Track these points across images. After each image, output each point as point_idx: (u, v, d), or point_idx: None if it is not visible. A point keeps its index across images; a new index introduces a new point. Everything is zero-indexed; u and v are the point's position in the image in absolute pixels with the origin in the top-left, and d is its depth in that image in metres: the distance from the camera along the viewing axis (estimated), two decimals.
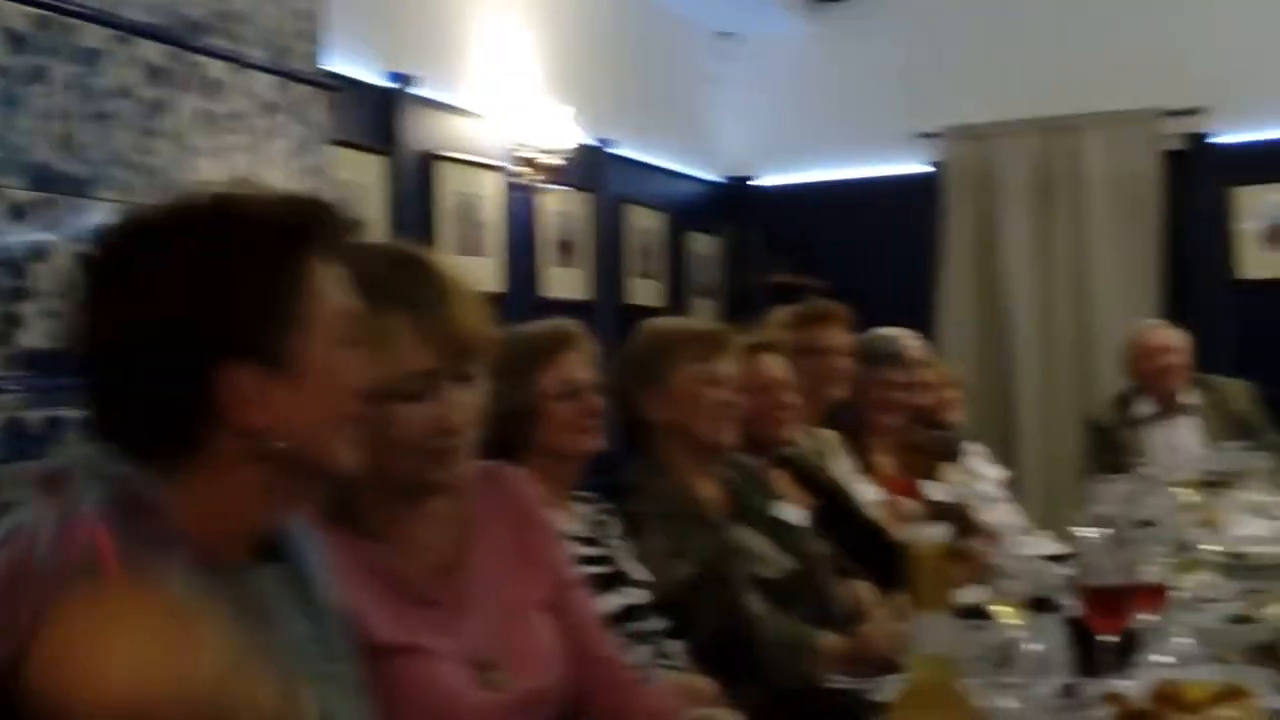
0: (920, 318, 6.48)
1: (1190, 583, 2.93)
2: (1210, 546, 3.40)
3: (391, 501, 1.95)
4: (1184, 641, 2.43)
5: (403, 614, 1.88)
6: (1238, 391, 5.78)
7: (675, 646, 2.78)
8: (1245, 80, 7.07)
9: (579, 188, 6.43)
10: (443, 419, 1.89)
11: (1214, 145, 7.18)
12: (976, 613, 2.29)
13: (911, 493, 4.46)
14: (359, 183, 5.00)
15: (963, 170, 7.53)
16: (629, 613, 2.74)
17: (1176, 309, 6.81)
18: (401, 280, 1.89)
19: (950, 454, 4.90)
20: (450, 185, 5.55)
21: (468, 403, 1.92)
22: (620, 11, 6.96)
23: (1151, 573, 2.45)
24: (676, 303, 7.31)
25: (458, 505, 2.02)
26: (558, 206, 6.28)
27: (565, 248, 6.38)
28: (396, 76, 5.25)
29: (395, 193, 5.23)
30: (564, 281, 6.34)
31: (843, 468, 4.17)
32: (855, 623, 3.14)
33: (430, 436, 1.89)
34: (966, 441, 5.26)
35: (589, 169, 6.46)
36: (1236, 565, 3.21)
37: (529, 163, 5.92)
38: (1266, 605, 2.56)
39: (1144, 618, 2.41)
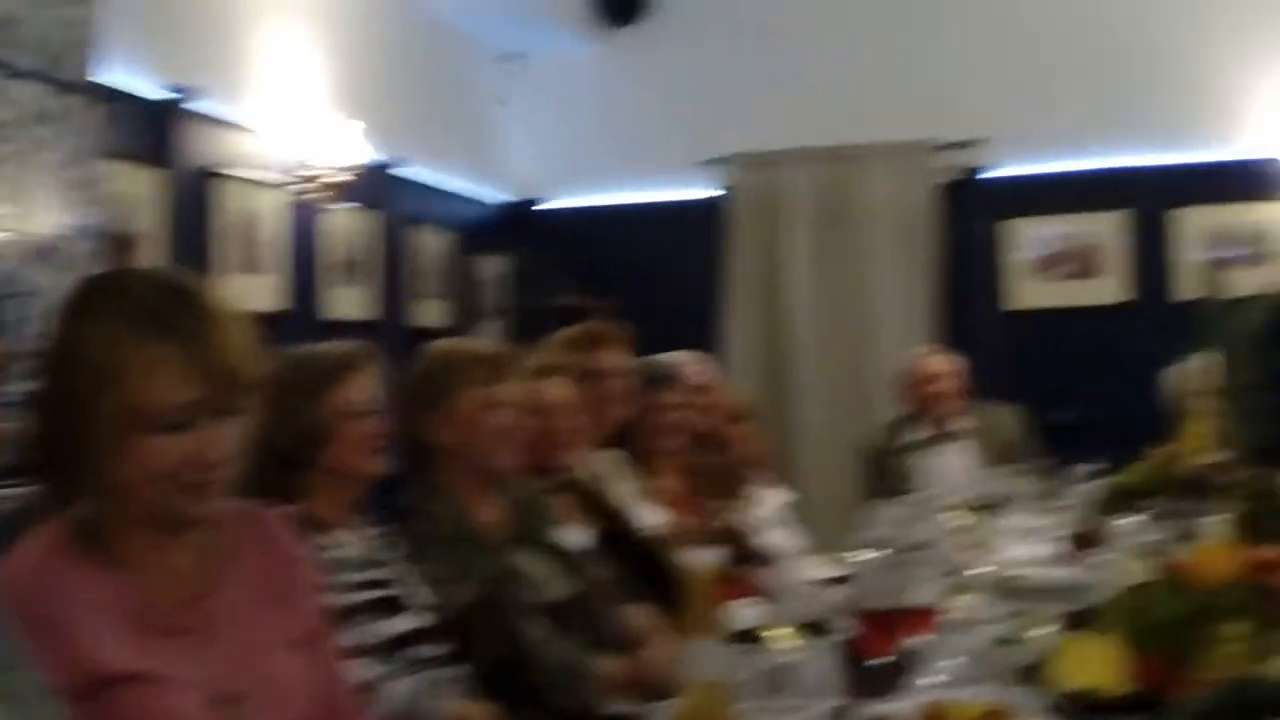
0: (706, 342, 6.54)
1: (960, 605, 2.99)
2: (980, 569, 3.49)
3: (143, 532, 1.89)
4: (954, 663, 2.48)
5: (144, 643, 1.85)
6: (1008, 418, 5.96)
7: (456, 672, 2.75)
8: (1018, 115, 7.32)
9: (364, 206, 6.33)
10: (200, 453, 1.85)
11: (987, 178, 7.42)
12: (750, 636, 2.31)
13: (694, 517, 4.48)
14: (134, 198, 4.84)
15: (749, 197, 7.64)
16: (410, 638, 2.70)
17: (951, 337, 7.01)
18: (170, 310, 1.84)
19: (732, 479, 4.94)
20: (230, 202, 5.42)
21: (228, 436, 1.88)
22: (409, 30, 6.90)
23: (923, 595, 2.50)
24: (463, 324, 7.25)
25: (214, 537, 1.97)
26: (342, 225, 6.19)
27: (350, 267, 6.28)
28: (175, 89, 5.10)
29: (172, 208, 5.08)
30: (348, 301, 6.24)
31: (626, 491, 4.17)
32: (635, 648, 3.13)
33: (185, 469, 1.85)
34: (750, 466, 5.32)
35: (375, 188, 6.38)
36: (1006, 588, 3.28)
37: (312, 180, 5.81)
38: (1033, 627, 2.62)
39: (915, 640, 2.45)
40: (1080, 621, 2.23)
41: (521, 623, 2.96)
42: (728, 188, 7.69)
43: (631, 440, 4.26)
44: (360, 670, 2.43)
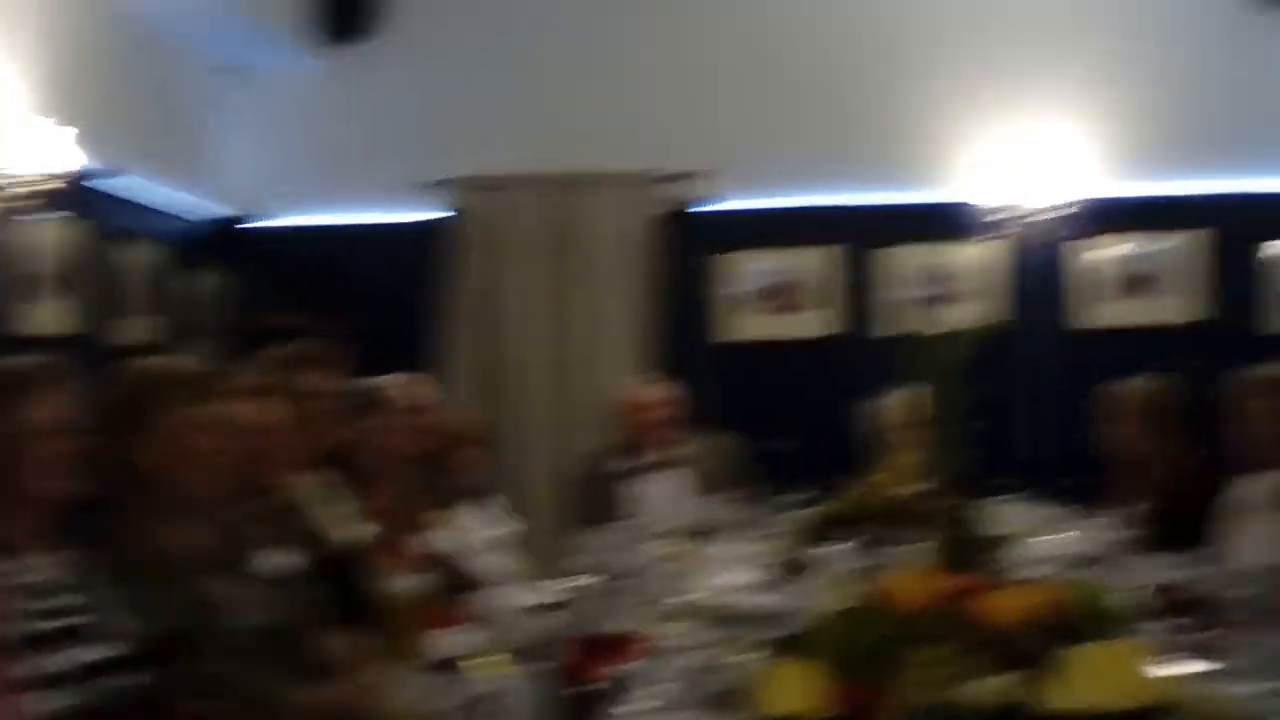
0: (428, 365, 6.47)
1: (669, 631, 3.00)
2: (689, 596, 3.52)
3: None
4: (662, 689, 2.49)
5: None
6: (721, 447, 6.06)
7: (151, 700, 2.64)
8: (736, 150, 7.48)
9: (68, 217, 6.06)
10: None
11: (704, 211, 7.56)
12: (455, 664, 2.27)
13: (408, 542, 4.42)
14: None
15: (475, 220, 7.60)
16: (103, 667, 2.58)
17: (671, 367, 7.10)
18: None
19: (450, 502, 4.89)
20: None
21: None
22: (119, 35, 6.64)
23: (633, 622, 2.51)
24: (171, 342, 7.00)
25: None
26: (42, 237, 5.91)
27: (50, 281, 6.00)
28: None
29: None
30: (48, 316, 5.96)
31: (335, 515, 4.07)
32: (337, 677, 3.06)
33: None
34: (469, 490, 5.28)
35: (80, 198, 6.10)
36: (714, 614, 3.32)
37: (9, 189, 5.53)
38: (739, 653, 2.65)
39: (625, 666, 2.46)
40: (785, 647, 2.26)
41: (219, 652, 2.86)
42: (453, 210, 7.63)
43: (343, 462, 4.17)
44: (45, 700, 2.31)
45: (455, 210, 7.61)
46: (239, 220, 7.76)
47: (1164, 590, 3.04)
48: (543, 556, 6.57)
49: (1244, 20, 7.37)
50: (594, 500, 5.83)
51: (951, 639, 2.02)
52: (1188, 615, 2.89)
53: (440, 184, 7.59)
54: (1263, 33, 7.36)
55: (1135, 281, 7.43)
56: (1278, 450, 4.24)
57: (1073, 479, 5.98)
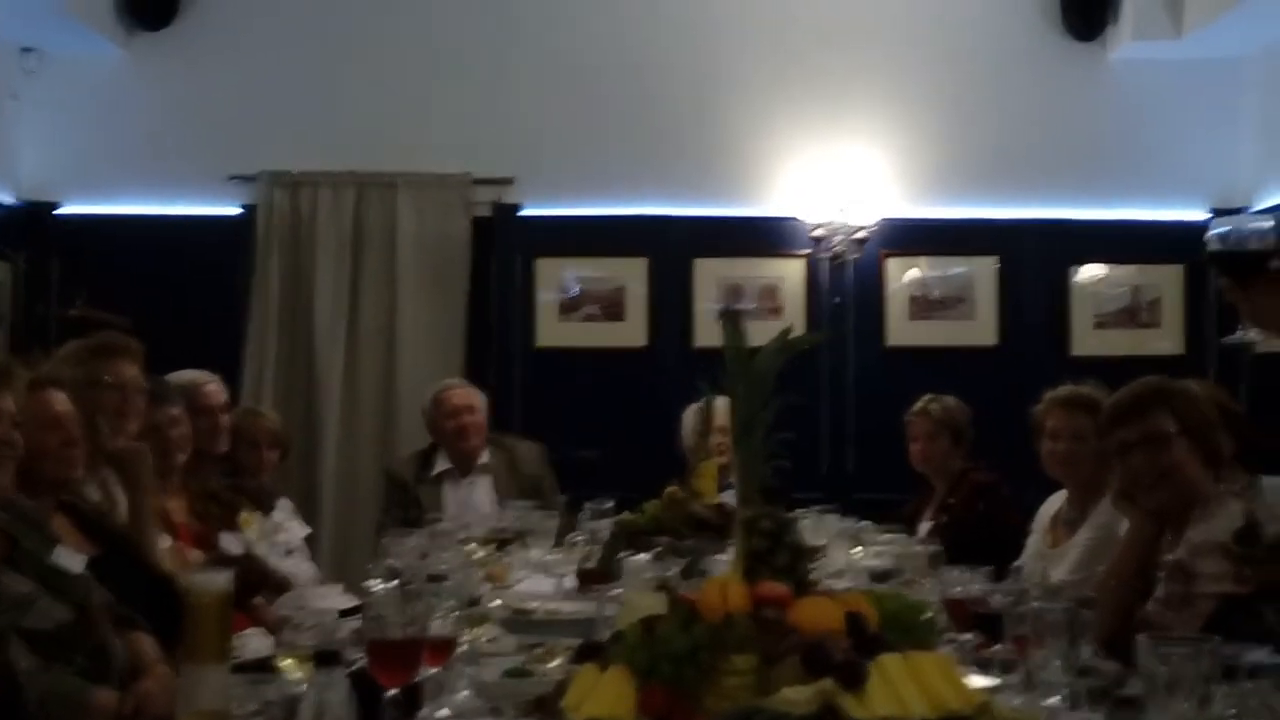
0: (228, 363, 6.32)
1: (475, 636, 2.98)
2: (496, 601, 3.50)
3: None
4: (467, 695, 2.46)
5: None
6: (530, 453, 6.04)
7: None
8: (556, 157, 7.48)
9: None
10: None
11: (522, 216, 7.53)
12: (258, 666, 2.21)
13: (205, 541, 4.32)
14: None
15: (276, 217, 7.44)
16: None
17: (478, 371, 7.06)
18: None
19: (245, 502, 4.80)
20: None
21: None
22: None
23: (438, 626, 2.47)
24: None
25: None
26: None
27: None
28: None
29: None
30: None
31: (133, 510, 3.95)
32: (134, 676, 2.96)
33: None
34: (270, 492, 5.19)
35: None
36: (520, 620, 3.30)
37: None
38: (546, 659, 2.64)
39: (429, 671, 2.42)
40: (591, 654, 2.25)
41: (9, 650, 2.75)
42: (256, 206, 7.46)
43: (139, 458, 4.04)
44: None
45: (259, 206, 7.44)
46: (37, 208, 7.49)
47: (954, 604, 3.10)
48: (342, 560, 6.51)
49: (1047, 51, 7.62)
50: (402, 503, 5.76)
51: (758, 646, 2.04)
52: (978, 629, 2.96)
53: (244, 178, 7.42)
54: (1065, 63, 7.61)
55: (938, 302, 7.61)
56: (1073, 468, 4.37)
57: (875, 493, 6.13)
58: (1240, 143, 7.53)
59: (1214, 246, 2.32)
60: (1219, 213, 7.37)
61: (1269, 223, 2.29)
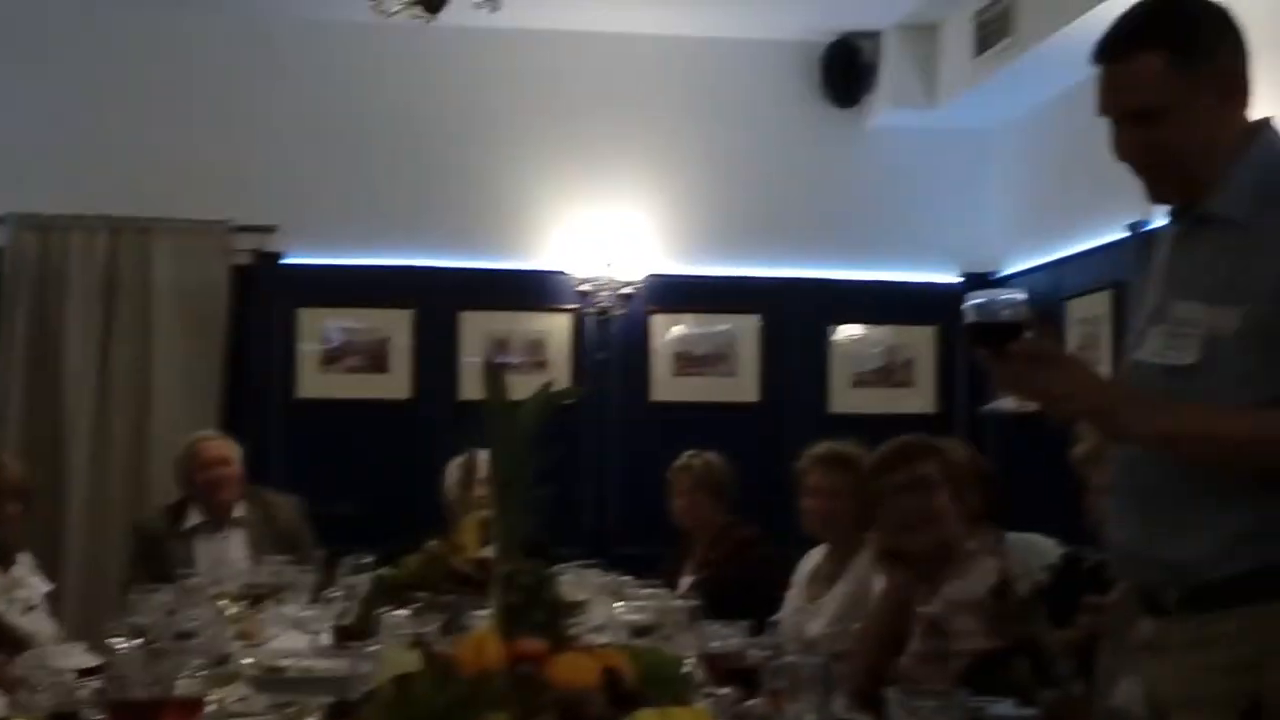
0: None
1: (224, 696, 2.88)
2: (248, 659, 3.39)
3: None
4: None
5: None
6: (287, 506, 5.90)
7: None
8: (319, 205, 7.38)
9: None
10: None
11: (284, 265, 7.39)
12: None
13: None
14: None
15: (24, 260, 7.16)
16: None
17: (236, 422, 6.88)
18: None
19: None
20: None
21: None
22: None
23: (185, 686, 2.39)
24: None
25: None
26: None
27: None
28: None
29: None
30: None
31: None
32: None
33: None
34: (9, 546, 4.98)
35: None
36: (272, 679, 3.20)
37: None
38: (297, 718, 2.57)
39: None
40: (343, 712, 2.19)
41: None
42: (3, 248, 7.17)
43: None
44: None
45: (4, 248, 7.15)
46: None
47: (712, 659, 3.11)
48: (81, 616, 6.25)
49: (808, 116, 7.82)
50: (152, 558, 5.57)
51: (514, 704, 2.01)
52: (735, 684, 2.98)
53: None
54: (825, 129, 7.82)
55: (701, 359, 7.71)
56: (830, 525, 4.44)
57: (637, 548, 6.15)
58: (990, 210, 7.83)
59: (970, 318, 2.38)
60: (969, 276, 7.65)
61: (1021, 295, 2.37)
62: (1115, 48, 2.35)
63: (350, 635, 3.74)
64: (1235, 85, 2.35)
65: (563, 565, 4.50)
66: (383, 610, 3.75)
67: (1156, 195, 2.40)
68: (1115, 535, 2.43)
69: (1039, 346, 2.33)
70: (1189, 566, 2.26)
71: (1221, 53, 2.33)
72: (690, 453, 5.64)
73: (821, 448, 4.56)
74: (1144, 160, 2.33)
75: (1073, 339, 6.38)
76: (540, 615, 2.13)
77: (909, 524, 3.48)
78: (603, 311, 7.53)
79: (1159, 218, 5.88)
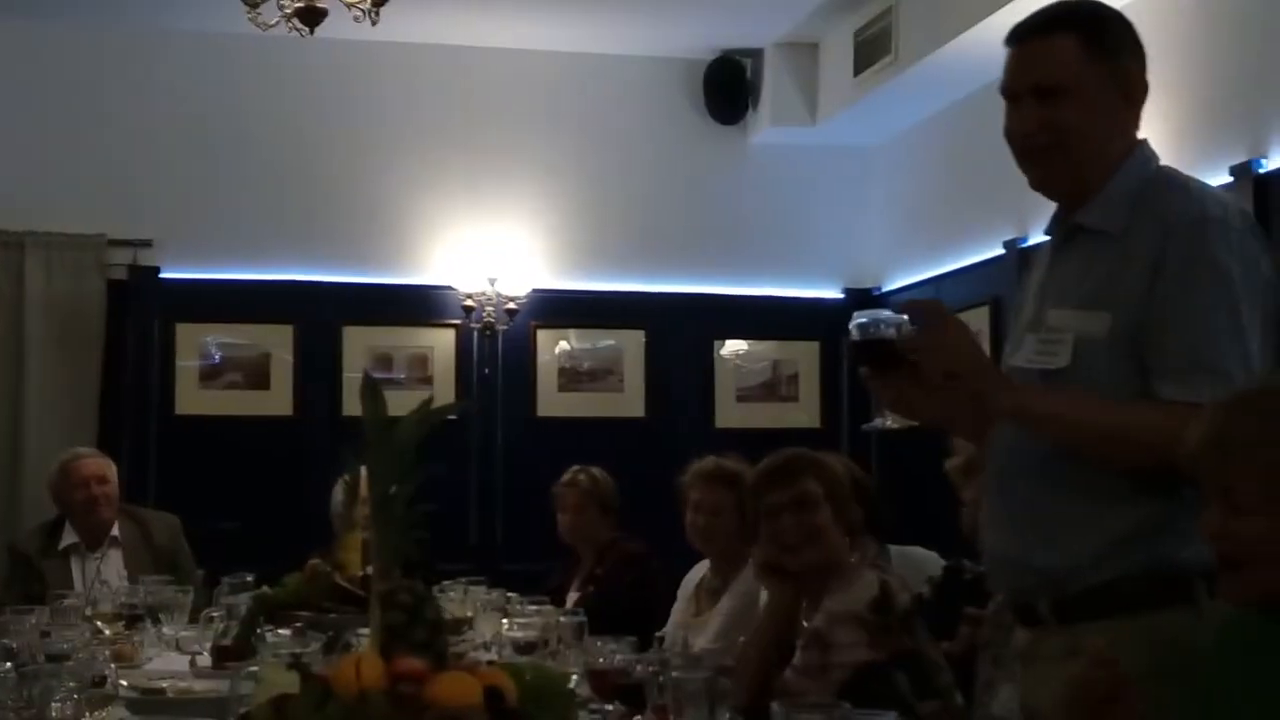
0: None
1: (101, 718, 2.82)
2: (124, 682, 3.33)
3: None
4: None
5: None
6: (165, 525, 5.80)
7: None
8: (201, 220, 7.28)
9: None
10: None
11: (160, 279, 7.28)
12: None
13: None
14: None
15: None
16: None
17: (112, 439, 6.76)
18: None
19: None
20: None
21: None
22: None
23: (58, 710, 2.34)
24: None
25: None
26: None
27: None
28: None
29: None
30: None
31: None
32: None
33: None
34: None
35: None
36: (149, 700, 3.15)
37: None
38: None
39: None
40: None
41: None
42: None
43: None
44: None
45: None
46: None
47: (597, 675, 3.11)
48: None
49: (692, 133, 7.86)
50: (19, 579, 5.45)
51: None
52: (621, 699, 2.97)
53: None
54: (709, 146, 7.87)
55: (586, 374, 7.71)
56: (713, 540, 4.46)
57: (524, 564, 6.13)
58: (871, 226, 7.93)
59: (854, 337, 2.41)
60: (852, 292, 7.74)
61: (902, 316, 2.40)
62: (1033, 28, 2.42)
63: (230, 656, 3.68)
64: (1134, 92, 2.42)
65: (448, 582, 4.50)
66: (264, 630, 3.71)
67: (1042, 178, 2.43)
68: (989, 545, 2.47)
69: (934, 305, 2.39)
70: (1060, 576, 2.30)
71: (1127, 56, 2.41)
72: (576, 468, 5.63)
73: (704, 463, 4.57)
74: (1040, 139, 2.37)
75: None
76: (421, 634, 2.11)
77: (791, 541, 3.50)
78: (488, 327, 7.51)
79: (1035, 234, 6.01)
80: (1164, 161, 2.46)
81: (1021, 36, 2.43)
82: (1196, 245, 2.25)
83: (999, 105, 2.49)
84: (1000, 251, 6.53)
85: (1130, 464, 2.25)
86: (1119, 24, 2.43)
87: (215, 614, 4.22)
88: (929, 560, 4.55)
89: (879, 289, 7.78)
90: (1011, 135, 2.43)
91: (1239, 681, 1.95)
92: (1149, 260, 2.27)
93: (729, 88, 7.84)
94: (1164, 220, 2.29)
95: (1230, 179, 5.00)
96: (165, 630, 4.10)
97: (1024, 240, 6.35)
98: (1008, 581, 2.45)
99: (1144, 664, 2.16)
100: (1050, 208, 2.55)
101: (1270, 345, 2.29)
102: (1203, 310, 2.23)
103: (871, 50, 7.00)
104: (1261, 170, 5.01)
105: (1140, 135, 2.46)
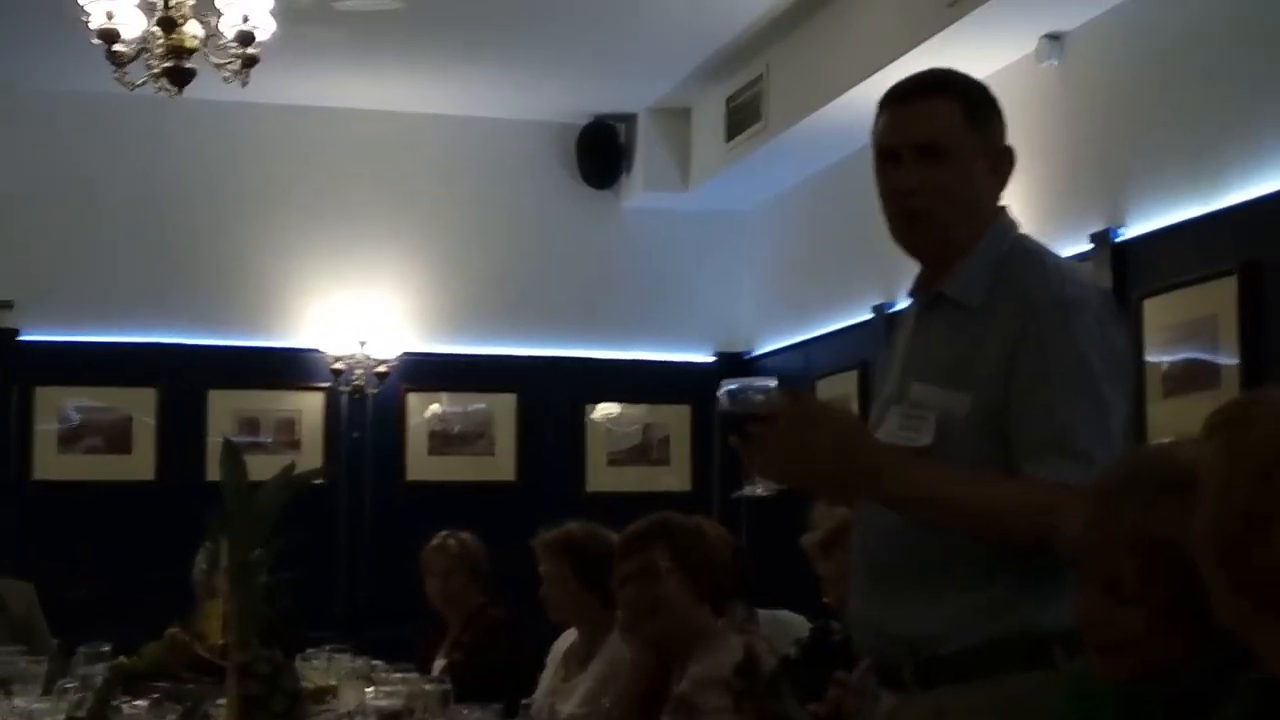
0: None
1: None
2: None
3: None
4: None
5: None
6: (20, 593, 5.65)
7: None
8: (57, 281, 7.14)
9: None
10: None
11: (19, 342, 7.12)
12: None
13: None
14: None
15: None
16: None
17: None
18: None
19: None
20: None
21: None
22: None
23: None
24: None
25: None
26: None
27: None
28: None
29: None
30: None
31: None
32: None
33: None
34: None
35: None
36: None
37: None
38: None
39: None
40: None
41: None
42: None
43: None
44: None
45: None
46: None
47: None
48: None
49: (565, 197, 7.89)
50: None
51: None
52: None
53: None
54: (582, 210, 7.90)
55: (457, 437, 7.65)
56: (562, 609, 4.43)
57: (390, 630, 6.04)
58: (742, 291, 7.99)
59: (723, 405, 2.40)
60: (723, 356, 7.79)
61: (773, 382, 2.40)
62: (914, 89, 2.44)
63: None
64: (1001, 164, 2.45)
65: (312, 650, 4.42)
66: (120, 701, 3.60)
67: (912, 241, 2.44)
68: (853, 609, 2.47)
69: (804, 406, 2.36)
70: (923, 641, 2.30)
71: (995, 126, 2.45)
72: (445, 533, 5.57)
73: (545, 535, 4.52)
74: (916, 200, 2.38)
75: None
76: (280, 704, 2.07)
77: (635, 613, 3.50)
78: (357, 390, 7.43)
79: (903, 299, 6.10)
80: (1026, 229, 2.49)
81: (902, 97, 2.45)
82: (1057, 326, 2.28)
83: (867, 171, 2.50)
84: (869, 316, 6.62)
85: (999, 540, 2.26)
86: (989, 97, 2.47)
87: (70, 685, 4.09)
88: (798, 624, 4.55)
89: (750, 353, 7.84)
90: (888, 195, 2.43)
91: None
92: (1008, 339, 2.30)
93: (602, 152, 7.88)
94: (1022, 299, 2.32)
95: (1090, 246, 5.12)
96: (17, 702, 3.97)
97: (891, 305, 6.44)
98: (871, 646, 2.45)
99: None
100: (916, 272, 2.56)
101: (1130, 421, 2.32)
102: (1063, 391, 2.25)
103: (743, 117, 7.08)
104: (1119, 239, 5.14)
105: (1001, 203, 2.50)
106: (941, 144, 2.37)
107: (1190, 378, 4.77)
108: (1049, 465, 2.21)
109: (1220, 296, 4.65)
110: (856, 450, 2.28)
